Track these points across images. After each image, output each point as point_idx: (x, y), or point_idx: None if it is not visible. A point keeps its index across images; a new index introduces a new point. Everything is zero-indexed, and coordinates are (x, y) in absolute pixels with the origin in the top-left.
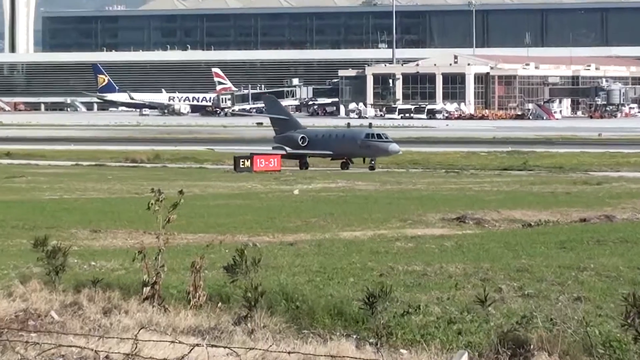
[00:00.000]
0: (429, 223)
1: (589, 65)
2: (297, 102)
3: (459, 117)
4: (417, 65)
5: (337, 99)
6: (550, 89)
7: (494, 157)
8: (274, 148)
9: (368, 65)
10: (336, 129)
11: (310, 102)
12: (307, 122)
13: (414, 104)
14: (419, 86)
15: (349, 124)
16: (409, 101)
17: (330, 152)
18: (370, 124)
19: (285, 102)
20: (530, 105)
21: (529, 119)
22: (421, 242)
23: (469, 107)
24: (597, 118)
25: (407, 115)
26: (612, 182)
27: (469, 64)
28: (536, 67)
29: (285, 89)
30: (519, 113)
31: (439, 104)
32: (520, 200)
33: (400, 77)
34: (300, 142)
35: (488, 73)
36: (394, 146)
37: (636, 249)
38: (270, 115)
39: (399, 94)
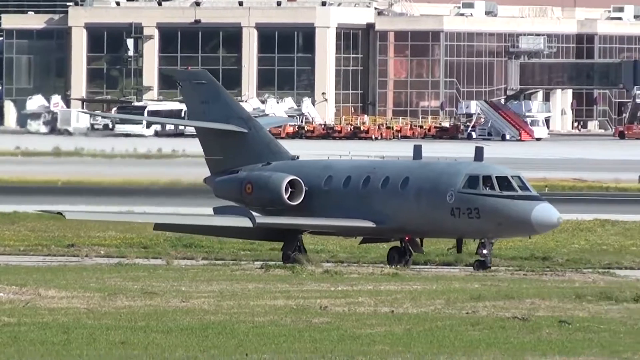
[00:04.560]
0: None
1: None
2: None
3: (299, 133)
4: (197, 4)
5: None
6: (526, 66)
7: None
8: (216, 211)
9: (77, 5)
10: (379, 160)
11: None
12: None
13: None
14: (201, 56)
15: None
16: (174, 94)
17: (371, 223)
18: (478, 148)
19: None
20: (475, 107)
21: (469, 138)
22: None
23: (322, 110)
24: (634, 136)
25: (173, 131)
26: None
27: (325, 2)
28: (490, 13)
29: None
30: (446, 124)
31: (250, 101)
32: (443, 342)
33: (156, 32)
34: (285, 196)
35: (371, 25)
36: (544, 211)
37: None
38: (197, 124)
39: (149, 77)
